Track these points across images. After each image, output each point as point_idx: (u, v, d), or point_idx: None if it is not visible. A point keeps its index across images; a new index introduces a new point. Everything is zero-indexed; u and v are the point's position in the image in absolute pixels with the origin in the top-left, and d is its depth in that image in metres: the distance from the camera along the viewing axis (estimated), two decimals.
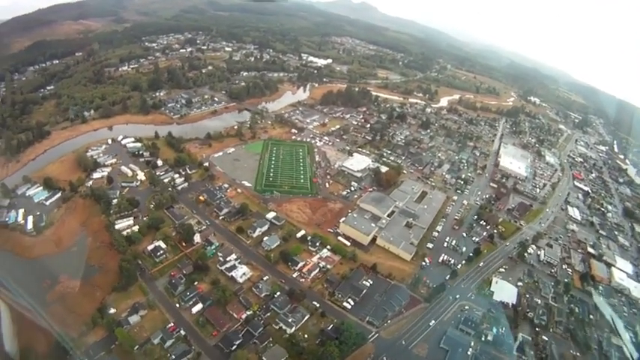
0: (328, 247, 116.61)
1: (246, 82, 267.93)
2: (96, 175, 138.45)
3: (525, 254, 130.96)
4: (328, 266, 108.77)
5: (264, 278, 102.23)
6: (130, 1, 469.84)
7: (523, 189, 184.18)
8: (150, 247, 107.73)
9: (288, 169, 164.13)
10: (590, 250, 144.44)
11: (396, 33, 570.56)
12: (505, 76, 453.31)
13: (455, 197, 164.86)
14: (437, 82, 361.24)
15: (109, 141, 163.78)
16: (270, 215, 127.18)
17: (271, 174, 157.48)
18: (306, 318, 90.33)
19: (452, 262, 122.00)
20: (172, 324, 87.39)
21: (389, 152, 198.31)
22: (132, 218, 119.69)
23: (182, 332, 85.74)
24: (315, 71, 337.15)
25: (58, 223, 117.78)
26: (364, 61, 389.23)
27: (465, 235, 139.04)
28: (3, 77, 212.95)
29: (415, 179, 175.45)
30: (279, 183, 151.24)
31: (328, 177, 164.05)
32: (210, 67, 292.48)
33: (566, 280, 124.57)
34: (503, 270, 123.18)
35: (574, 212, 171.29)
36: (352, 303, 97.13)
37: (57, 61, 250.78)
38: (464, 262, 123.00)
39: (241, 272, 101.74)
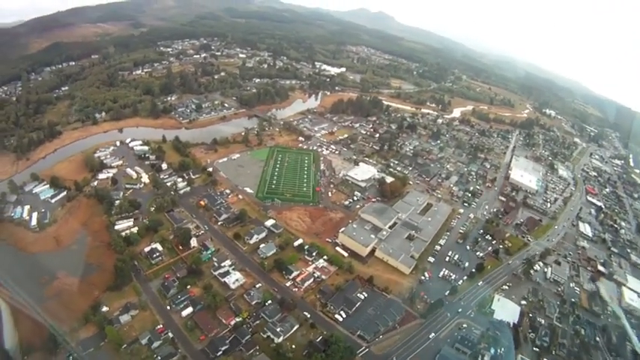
0: (325, 257, 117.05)
1: (257, 88, 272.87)
2: (101, 176, 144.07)
3: (531, 271, 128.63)
4: (323, 277, 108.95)
5: (257, 286, 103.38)
6: (149, 6, 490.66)
7: (533, 203, 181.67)
8: (147, 249, 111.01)
9: (291, 176, 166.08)
10: (600, 268, 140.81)
11: (412, 43, 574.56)
12: (521, 87, 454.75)
13: (461, 210, 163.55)
14: (451, 92, 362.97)
15: (117, 143, 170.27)
16: (269, 223, 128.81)
17: (274, 181, 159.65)
18: (295, 328, 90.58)
19: (453, 277, 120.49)
20: (161, 326, 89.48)
21: (396, 162, 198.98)
22: (132, 220, 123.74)
23: (170, 335, 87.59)
24: (328, 79, 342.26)
25: (61, 220, 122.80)
26: (378, 71, 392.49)
27: (469, 249, 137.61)
28: (20, 77, 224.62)
29: (421, 191, 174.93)
30: (281, 190, 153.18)
31: (332, 186, 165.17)
32: (222, 73, 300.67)
33: (572, 299, 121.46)
34: (506, 287, 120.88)
35: (585, 228, 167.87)
36: (344, 315, 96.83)
37: (73, 63, 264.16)
38: (465, 277, 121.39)
39: (234, 278, 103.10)
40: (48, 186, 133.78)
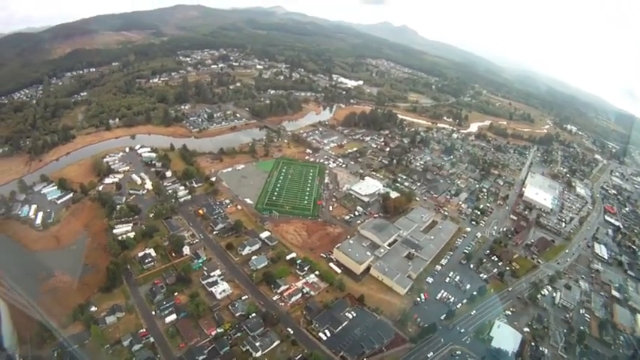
0: (317, 272, 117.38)
1: (271, 100, 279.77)
2: (107, 181, 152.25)
3: (538, 296, 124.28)
4: (312, 292, 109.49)
5: (243, 298, 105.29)
6: (172, 15, 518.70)
7: (547, 222, 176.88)
8: (140, 254, 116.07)
9: (294, 189, 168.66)
10: (614, 293, 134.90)
11: (434, 57, 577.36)
12: (542, 102, 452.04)
13: (468, 229, 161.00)
14: (469, 107, 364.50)
15: (127, 149, 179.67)
16: (264, 235, 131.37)
17: (275, 193, 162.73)
18: (276, 344, 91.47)
19: (451, 300, 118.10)
20: (144, 330, 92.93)
21: (404, 177, 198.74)
22: (131, 224, 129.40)
23: (151, 339, 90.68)
24: (344, 92, 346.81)
25: (64, 221, 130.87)
26: (396, 84, 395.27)
27: (472, 270, 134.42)
28: (41, 81, 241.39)
29: (427, 207, 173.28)
30: (282, 203, 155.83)
31: (334, 200, 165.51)
32: (238, 84, 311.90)
33: (581, 327, 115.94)
34: (509, 312, 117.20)
35: (601, 250, 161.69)
36: (328, 334, 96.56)
37: (94, 69, 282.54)
38: (465, 301, 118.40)
39: (221, 289, 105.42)
40: (56, 187, 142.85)
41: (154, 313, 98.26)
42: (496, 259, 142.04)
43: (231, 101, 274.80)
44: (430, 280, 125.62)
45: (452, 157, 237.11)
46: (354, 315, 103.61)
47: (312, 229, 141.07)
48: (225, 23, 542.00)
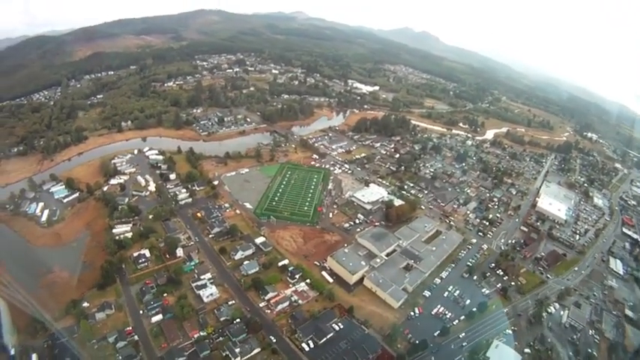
0: (308, 280, 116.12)
1: (282, 104, 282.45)
2: (113, 182, 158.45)
3: (543, 314, 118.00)
4: (300, 301, 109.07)
5: (230, 302, 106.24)
6: (192, 20, 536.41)
7: (559, 235, 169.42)
8: (135, 254, 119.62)
9: (295, 194, 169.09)
10: (628, 312, 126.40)
11: (453, 63, 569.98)
12: (563, 109, 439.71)
13: (474, 240, 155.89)
14: (487, 113, 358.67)
15: (135, 151, 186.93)
16: (259, 240, 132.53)
17: (276, 198, 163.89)
18: (256, 351, 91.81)
19: (448, 315, 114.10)
20: (130, 328, 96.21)
21: (411, 185, 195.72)
22: (130, 225, 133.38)
23: (136, 337, 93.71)
24: (359, 97, 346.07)
25: (68, 219, 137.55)
26: (413, 90, 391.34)
27: (475, 284, 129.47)
28: (60, 83, 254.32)
29: (432, 217, 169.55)
30: (281, 208, 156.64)
31: (335, 206, 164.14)
32: (252, 88, 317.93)
33: (589, 349, 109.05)
34: (510, 331, 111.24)
35: (616, 265, 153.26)
36: (312, 345, 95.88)
37: (112, 72, 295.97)
38: (463, 317, 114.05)
39: (209, 292, 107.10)
40: (63, 187, 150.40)
41: (141, 312, 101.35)
42: (501, 273, 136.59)
43: (243, 105, 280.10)
44: (427, 293, 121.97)
45: (464, 164, 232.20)
46: (341, 327, 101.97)
47: (308, 236, 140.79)
48: (244, 28, 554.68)
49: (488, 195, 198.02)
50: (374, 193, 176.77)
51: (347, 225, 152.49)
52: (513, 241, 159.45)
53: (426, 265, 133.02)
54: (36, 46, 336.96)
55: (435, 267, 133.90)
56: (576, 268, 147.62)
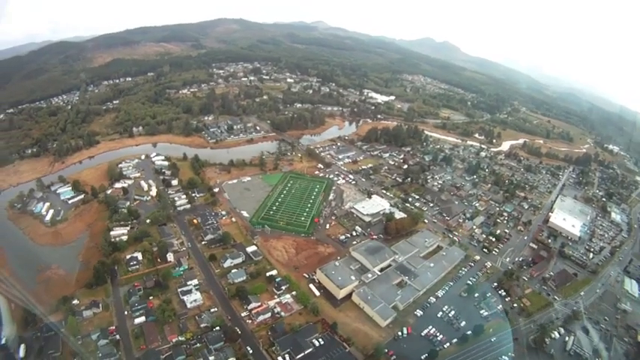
0: (294, 293, 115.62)
1: (293, 113, 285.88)
2: (117, 185, 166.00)
3: (546, 339, 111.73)
4: (283, 313, 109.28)
5: (212, 310, 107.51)
6: (213, 29, 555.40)
7: (571, 253, 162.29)
8: (128, 257, 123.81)
9: (294, 204, 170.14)
10: None
11: (474, 73, 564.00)
12: (584, 121, 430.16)
13: (477, 257, 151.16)
14: (504, 124, 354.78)
15: (143, 156, 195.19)
16: (250, 249, 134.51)
17: (274, 208, 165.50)
18: None
19: (439, 337, 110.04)
20: (114, 327, 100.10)
21: (417, 197, 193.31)
22: (127, 228, 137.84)
23: (117, 337, 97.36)
24: (373, 107, 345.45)
25: (71, 220, 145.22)
26: (429, 100, 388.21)
27: (473, 305, 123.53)
28: (79, 87, 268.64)
29: (435, 231, 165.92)
30: (277, 218, 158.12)
31: (333, 217, 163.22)
32: (265, 97, 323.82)
33: None
34: (506, 358, 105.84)
35: (632, 286, 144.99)
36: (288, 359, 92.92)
37: (129, 79, 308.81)
38: (456, 340, 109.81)
39: (193, 298, 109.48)
40: (70, 188, 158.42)
41: (126, 313, 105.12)
42: (504, 293, 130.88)
43: (254, 114, 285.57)
44: (419, 312, 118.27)
45: (475, 176, 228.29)
46: (322, 343, 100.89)
47: (301, 247, 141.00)
48: (264, 37, 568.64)
49: (497, 209, 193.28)
50: (375, 205, 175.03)
51: (343, 237, 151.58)
52: (520, 259, 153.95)
53: (421, 282, 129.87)
54: (58, 51, 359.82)
55: (431, 284, 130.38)
56: (588, 290, 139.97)
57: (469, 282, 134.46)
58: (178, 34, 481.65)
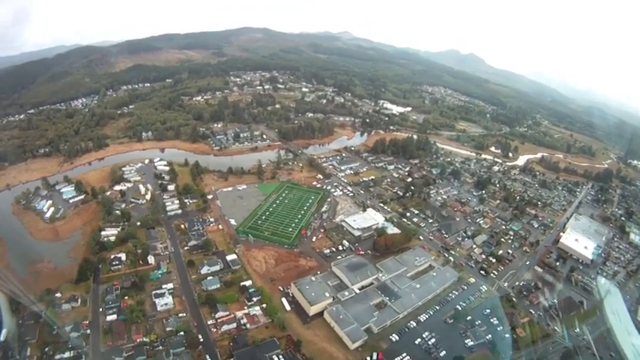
0: (264, 305, 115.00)
1: (301, 122, 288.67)
2: (117, 187, 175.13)
3: None
4: (249, 325, 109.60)
5: (180, 315, 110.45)
6: (236, 37, 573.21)
7: (581, 277, 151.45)
8: (112, 256, 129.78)
9: (284, 214, 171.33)
10: None
11: (497, 86, 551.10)
12: (608, 135, 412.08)
13: (472, 279, 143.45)
14: (523, 137, 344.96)
15: (146, 161, 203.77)
16: (230, 257, 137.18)
17: (263, 217, 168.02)
18: None
19: None
20: (87, 322, 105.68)
21: (416, 212, 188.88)
22: (118, 229, 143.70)
23: (88, 331, 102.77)
24: (386, 118, 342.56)
25: (68, 218, 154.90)
26: (447, 112, 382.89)
27: (459, 333, 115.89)
28: (98, 92, 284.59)
29: (429, 249, 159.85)
30: (264, 228, 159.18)
31: (322, 230, 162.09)
32: (277, 106, 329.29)
33: None
34: None
35: None
36: None
37: (148, 84, 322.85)
38: None
39: (164, 302, 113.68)
40: (73, 188, 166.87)
41: (101, 310, 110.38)
42: (496, 321, 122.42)
43: (264, 122, 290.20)
44: (395, 337, 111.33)
45: (483, 191, 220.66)
46: None
47: (281, 259, 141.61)
48: (287, 46, 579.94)
49: (503, 227, 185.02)
50: (367, 219, 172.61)
51: (328, 251, 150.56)
52: (521, 284, 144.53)
53: (402, 304, 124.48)
54: (82, 55, 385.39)
55: (413, 307, 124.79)
56: (595, 320, 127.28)
57: (458, 307, 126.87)
58: (201, 41, 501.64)
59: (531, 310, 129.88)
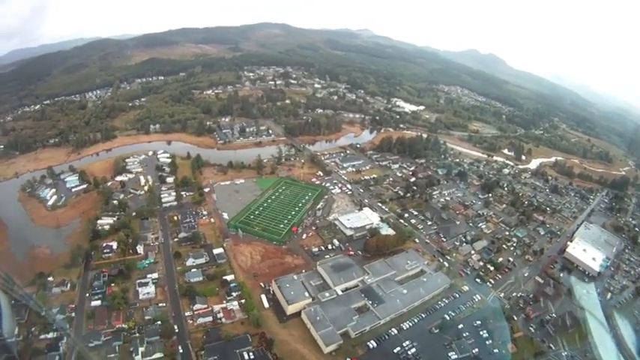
0: (243, 300, 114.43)
1: (308, 118, 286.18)
2: (118, 178, 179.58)
3: None
4: (224, 320, 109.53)
5: (160, 304, 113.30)
6: (254, 32, 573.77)
7: (585, 291, 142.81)
8: (104, 244, 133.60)
9: (278, 210, 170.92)
10: None
11: (515, 87, 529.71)
12: (628, 141, 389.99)
13: (465, 287, 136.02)
14: (538, 140, 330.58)
15: (150, 153, 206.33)
16: (217, 251, 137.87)
17: (256, 212, 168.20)
18: (157, 356, 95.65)
19: None
20: (73, 306, 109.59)
21: (415, 214, 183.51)
22: (114, 218, 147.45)
23: (73, 315, 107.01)
24: (398, 116, 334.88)
25: (69, 206, 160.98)
26: (461, 112, 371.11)
27: (444, 345, 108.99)
28: (112, 84, 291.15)
29: (422, 253, 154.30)
30: (255, 223, 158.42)
31: (314, 228, 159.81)
32: (287, 101, 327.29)
33: None
34: None
35: None
36: None
37: (162, 78, 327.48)
38: None
39: (146, 291, 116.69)
40: (76, 177, 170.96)
41: (87, 295, 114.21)
42: (486, 334, 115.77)
43: (272, 117, 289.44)
44: (373, 344, 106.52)
45: (489, 195, 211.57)
46: (251, 357, 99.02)
47: (268, 255, 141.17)
48: (304, 42, 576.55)
49: (507, 233, 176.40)
50: (362, 219, 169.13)
51: (316, 249, 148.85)
52: (520, 294, 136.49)
53: (385, 309, 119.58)
54: (100, 48, 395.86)
55: (397, 314, 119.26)
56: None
57: (446, 316, 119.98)
58: (218, 36, 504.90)
59: (532, 326, 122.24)
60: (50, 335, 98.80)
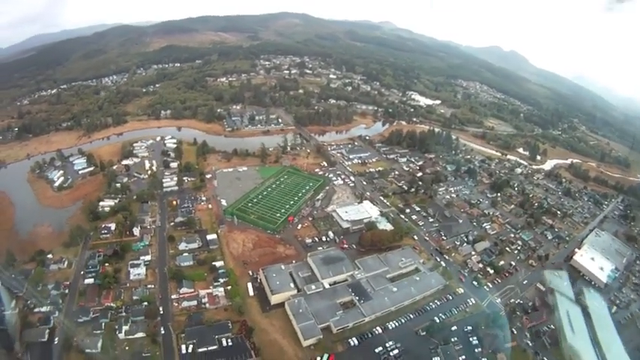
0: (229, 287, 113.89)
1: (319, 108, 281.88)
2: (124, 162, 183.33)
3: None
4: (208, 305, 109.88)
5: (149, 286, 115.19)
6: (273, 22, 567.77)
7: (588, 303, 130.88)
8: (102, 225, 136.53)
9: (277, 199, 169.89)
10: None
11: (537, 86, 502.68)
12: None
13: (460, 290, 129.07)
14: (555, 141, 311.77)
15: (158, 138, 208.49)
16: (210, 237, 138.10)
17: (254, 200, 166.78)
18: (139, 335, 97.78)
19: None
20: (68, 283, 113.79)
21: (417, 210, 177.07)
22: (116, 201, 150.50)
23: (66, 291, 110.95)
24: (412, 110, 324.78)
25: (75, 188, 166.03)
26: (477, 108, 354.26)
27: (429, 349, 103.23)
28: (129, 70, 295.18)
29: (420, 251, 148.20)
30: (252, 211, 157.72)
31: (310, 219, 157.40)
32: (300, 91, 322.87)
33: None
34: None
35: None
36: (189, 350, 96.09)
37: (178, 65, 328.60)
38: None
39: (137, 272, 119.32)
40: (84, 160, 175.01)
41: (82, 273, 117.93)
42: (476, 341, 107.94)
43: (283, 106, 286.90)
44: (354, 342, 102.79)
45: (498, 194, 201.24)
46: (229, 344, 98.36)
47: (260, 244, 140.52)
48: (323, 32, 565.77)
49: (512, 235, 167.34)
50: (360, 212, 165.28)
51: (310, 240, 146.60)
52: (518, 301, 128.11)
53: (372, 307, 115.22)
54: (119, 34, 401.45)
55: (383, 312, 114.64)
56: None
57: (436, 319, 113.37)
58: (238, 24, 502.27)
59: (527, 335, 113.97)
60: (44, 309, 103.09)
